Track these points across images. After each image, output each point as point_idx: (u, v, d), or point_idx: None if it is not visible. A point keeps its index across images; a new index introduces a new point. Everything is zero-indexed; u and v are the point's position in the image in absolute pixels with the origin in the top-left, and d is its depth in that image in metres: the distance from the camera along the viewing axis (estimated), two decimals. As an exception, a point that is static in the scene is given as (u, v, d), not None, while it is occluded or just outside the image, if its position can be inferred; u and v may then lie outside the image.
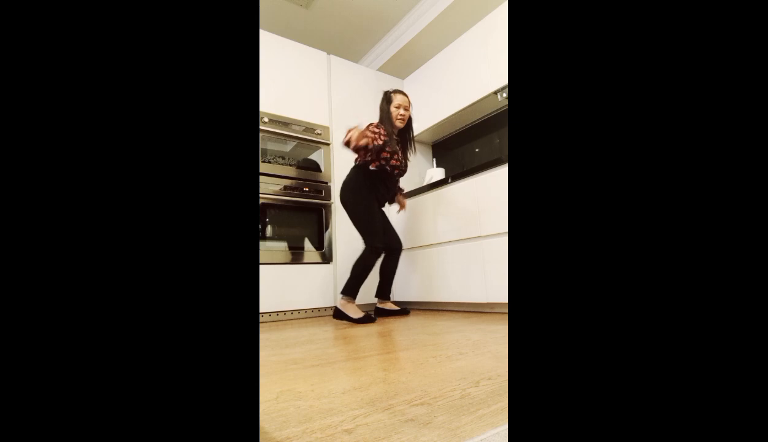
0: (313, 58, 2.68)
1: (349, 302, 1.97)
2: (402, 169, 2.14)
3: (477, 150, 2.84)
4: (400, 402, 0.64)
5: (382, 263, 2.18)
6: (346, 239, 2.58)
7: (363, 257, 1.98)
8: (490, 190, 2.05)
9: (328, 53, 2.81)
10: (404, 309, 2.18)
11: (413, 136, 2.26)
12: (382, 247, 2.05)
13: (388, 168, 2.06)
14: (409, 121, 2.20)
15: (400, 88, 2.28)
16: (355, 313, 1.94)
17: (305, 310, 2.37)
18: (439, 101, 2.72)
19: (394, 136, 2.10)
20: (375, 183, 2.07)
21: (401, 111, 2.11)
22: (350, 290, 1.98)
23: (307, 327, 1.85)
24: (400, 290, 2.62)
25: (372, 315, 1.96)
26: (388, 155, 2.05)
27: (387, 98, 2.15)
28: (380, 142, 1.97)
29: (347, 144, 1.89)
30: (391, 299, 2.25)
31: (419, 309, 2.55)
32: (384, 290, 2.17)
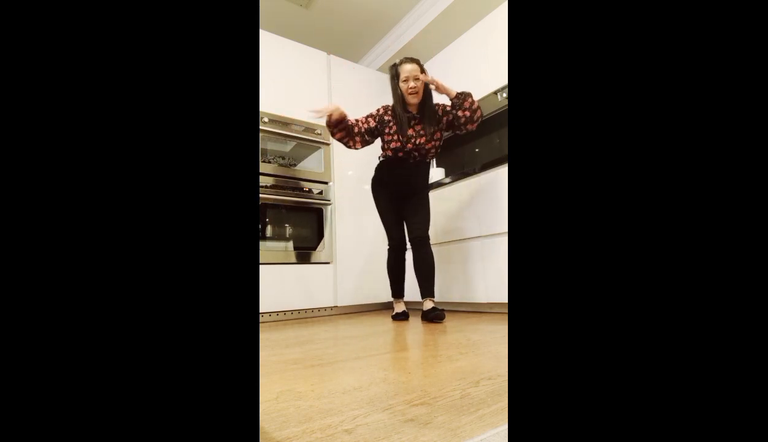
0: (313, 58, 2.68)
1: (395, 301, 2.06)
2: (412, 150, 1.87)
3: (477, 150, 2.84)
4: (400, 402, 0.64)
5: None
6: (346, 239, 2.58)
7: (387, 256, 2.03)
8: (489, 190, 2.05)
9: (328, 53, 2.81)
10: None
11: (433, 107, 1.88)
12: (393, 245, 1.96)
13: (390, 153, 1.88)
14: (427, 90, 1.86)
15: (411, 56, 1.92)
16: (396, 310, 2.02)
17: (305, 310, 2.37)
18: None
19: (408, 114, 1.86)
20: (384, 176, 1.96)
21: (410, 84, 1.80)
22: (392, 291, 2.06)
23: (307, 327, 1.85)
24: (400, 290, 2.62)
25: (406, 313, 1.99)
26: (390, 138, 1.87)
27: (395, 74, 1.86)
28: (364, 125, 1.85)
29: (328, 125, 1.82)
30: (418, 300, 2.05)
31: (419, 309, 2.55)
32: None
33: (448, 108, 1.88)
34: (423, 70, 1.85)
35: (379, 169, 1.99)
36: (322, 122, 2.62)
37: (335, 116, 1.76)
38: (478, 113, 1.82)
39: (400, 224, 1.96)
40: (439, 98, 2.01)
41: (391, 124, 1.87)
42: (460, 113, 1.81)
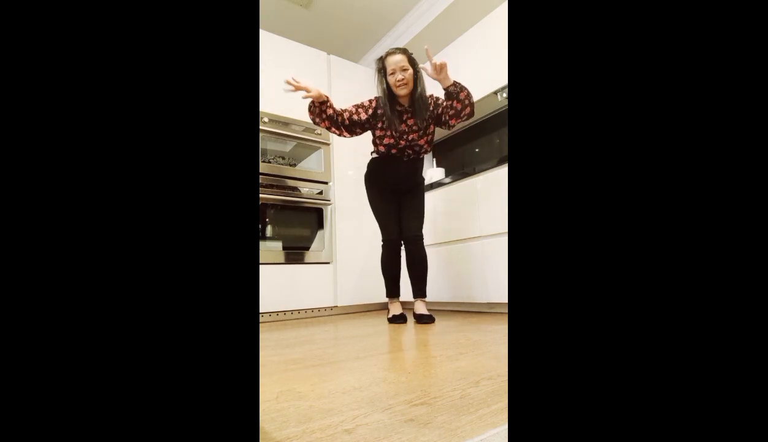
0: (313, 58, 2.68)
1: (390, 301, 1.93)
2: (406, 147, 1.77)
3: (477, 150, 2.84)
4: (400, 402, 0.64)
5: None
6: (346, 239, 2.58)
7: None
8: (489, 190, 2.05)
9: (328, 53, 2.81)
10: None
11: (425, 98, 1.76)
12: (387, 241, 1.86)
13: (383, 148, 1.79)
14: (417, 79, 1.75)
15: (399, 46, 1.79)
16: (392, 312, 1.88)
17: (305, 310, 2.37)
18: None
19: (399, 108, 1.77)
20: (378, 172, 1.87)
21: (398, 76, 1.70)
22: (386, 290, 1.93)
23: (307, 327, 1.85)
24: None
25: (404, 315, 1.84)
26: (382, 133, 1.78)
27: (381, 67, 1.77)
28: (353, 116, 1.76)
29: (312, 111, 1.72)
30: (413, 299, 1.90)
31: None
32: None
33: (440, 101, 1.78)
34: (411, 60, 1.76)
35: (373, 165, 1.89)
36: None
37: (314, 96, 1.66)
38: (467, 110, 1.69)
39: (394, 221, 1.85)
40: (430, 89, 1.95)
41: (384, 118, 1.77)
42: (455, 104, 1.68)
